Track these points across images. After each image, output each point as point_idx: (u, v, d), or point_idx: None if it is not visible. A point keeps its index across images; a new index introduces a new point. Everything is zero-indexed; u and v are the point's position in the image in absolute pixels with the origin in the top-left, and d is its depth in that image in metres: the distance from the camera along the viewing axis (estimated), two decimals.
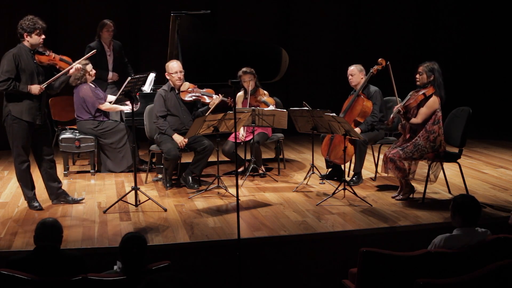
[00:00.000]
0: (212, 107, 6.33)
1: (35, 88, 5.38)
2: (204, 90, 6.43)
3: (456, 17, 10.74)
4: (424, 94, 5.55)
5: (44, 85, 5.43)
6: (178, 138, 6.22)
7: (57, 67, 5.60)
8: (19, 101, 5.39)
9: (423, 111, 5.57)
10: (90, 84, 7.01)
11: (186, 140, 6.16)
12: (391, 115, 5.69)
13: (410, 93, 5.69)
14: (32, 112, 5.42)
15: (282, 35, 10.10)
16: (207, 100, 6.41)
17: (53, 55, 5.57)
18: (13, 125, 5.44)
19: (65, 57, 5.67)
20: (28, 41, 5.41)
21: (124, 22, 8.89)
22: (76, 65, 5.60)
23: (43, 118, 5.57)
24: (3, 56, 5.40)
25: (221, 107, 6.40)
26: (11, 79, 5.31)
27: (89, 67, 6.98)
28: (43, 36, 5.46)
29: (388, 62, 6.11)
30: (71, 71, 5.59)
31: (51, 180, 5.73)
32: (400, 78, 5.90)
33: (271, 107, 6.62)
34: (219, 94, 6.41)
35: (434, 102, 5.55)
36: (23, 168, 5.55)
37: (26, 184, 5.60)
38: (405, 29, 10.63)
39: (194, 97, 6.35)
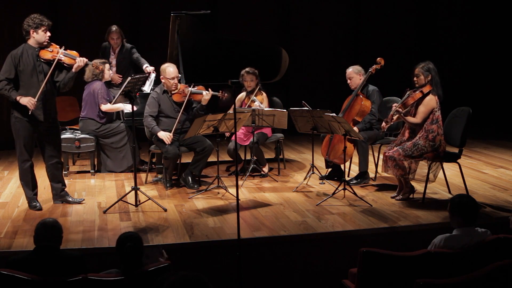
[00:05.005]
0: (205, 103, 6.33)
1: (24, 100, 5.23)
2: (195, 88, 6.41)
3: (456, 17, 10.74)
4: (421, 91, 5.57)
5: (36, 99, 5.24)
6: (164, 135, 6.15)
7: (62, 62, 5.44)
8: None
9: (421, 110, 5.58)
10: (104, 84, 7.02)
11: (171, 135, 6.12)
12: (390, 113, 5.69)
13: (408, 92, 5.70)
14: (34, 111, 5.33)
15: (282, 35, 10.09)
16: (199, 97, 6.40)
17: (56, 50, 5.43)
18: (15, 124, 5.45)
19: (71, 52, 5.48)
20: (34, 37, 5.36)
21: (124, 22, 8.88)
22: (80, 61, 5.40)
23: (47, 117, 5.49)
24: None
25: (216, 102, 6.36)
26: (7, 80, 5.29)
27: (107, 66, 7.00)
28: (48, 34, 5.40)
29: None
30: (74, 66, 5.43)
31: (55, 181, 5.74)
32: (400, 78, 5.90)
33: (257, 103, 6.62)
34: (209, 89, 6.39)
35: (430, 100, 5.56)
36: (25, 168, 5.55)
37: (27, 183, 5.60)
38: (406, 29, 10.63)
39: (186, 98, 6.33)
